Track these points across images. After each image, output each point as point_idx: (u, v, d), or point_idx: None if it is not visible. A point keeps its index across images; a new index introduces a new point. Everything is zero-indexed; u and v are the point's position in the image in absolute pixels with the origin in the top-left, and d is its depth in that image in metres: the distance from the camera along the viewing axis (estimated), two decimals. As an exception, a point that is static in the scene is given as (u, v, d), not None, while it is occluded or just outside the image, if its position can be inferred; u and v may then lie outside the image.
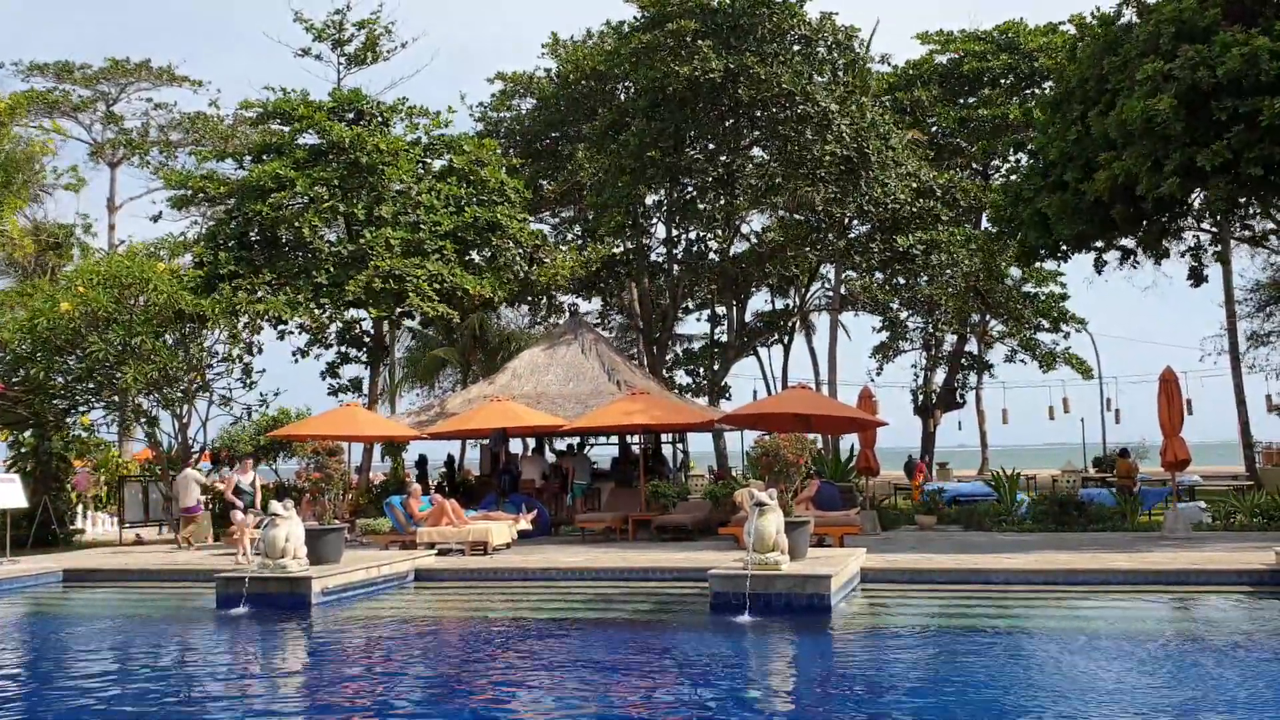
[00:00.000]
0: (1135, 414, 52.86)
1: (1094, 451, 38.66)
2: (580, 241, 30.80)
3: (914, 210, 30.87)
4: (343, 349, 26.07)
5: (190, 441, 23.07)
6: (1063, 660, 9.48)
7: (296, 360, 25.13)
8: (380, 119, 25.92)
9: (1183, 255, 24.02)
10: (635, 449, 25.73)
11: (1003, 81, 38.75)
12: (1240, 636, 10.78)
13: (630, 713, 8.11)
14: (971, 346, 45.35)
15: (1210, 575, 13.38)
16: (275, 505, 14.11)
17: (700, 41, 28.75)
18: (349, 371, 26.27)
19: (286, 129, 25.55)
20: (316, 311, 23.62)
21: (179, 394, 22.64)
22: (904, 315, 43.26)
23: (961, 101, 39.09)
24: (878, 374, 46.25)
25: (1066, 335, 44.53)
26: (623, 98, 31.93)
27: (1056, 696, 8.23)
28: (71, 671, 10.55)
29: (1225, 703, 7.91)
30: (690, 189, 32.48)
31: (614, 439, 27.10)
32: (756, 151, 32.84)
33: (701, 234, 33.99)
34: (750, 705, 8.43)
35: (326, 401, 25.84)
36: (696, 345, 41.57)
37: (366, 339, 26.22)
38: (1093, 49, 21.53)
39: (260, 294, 22.65)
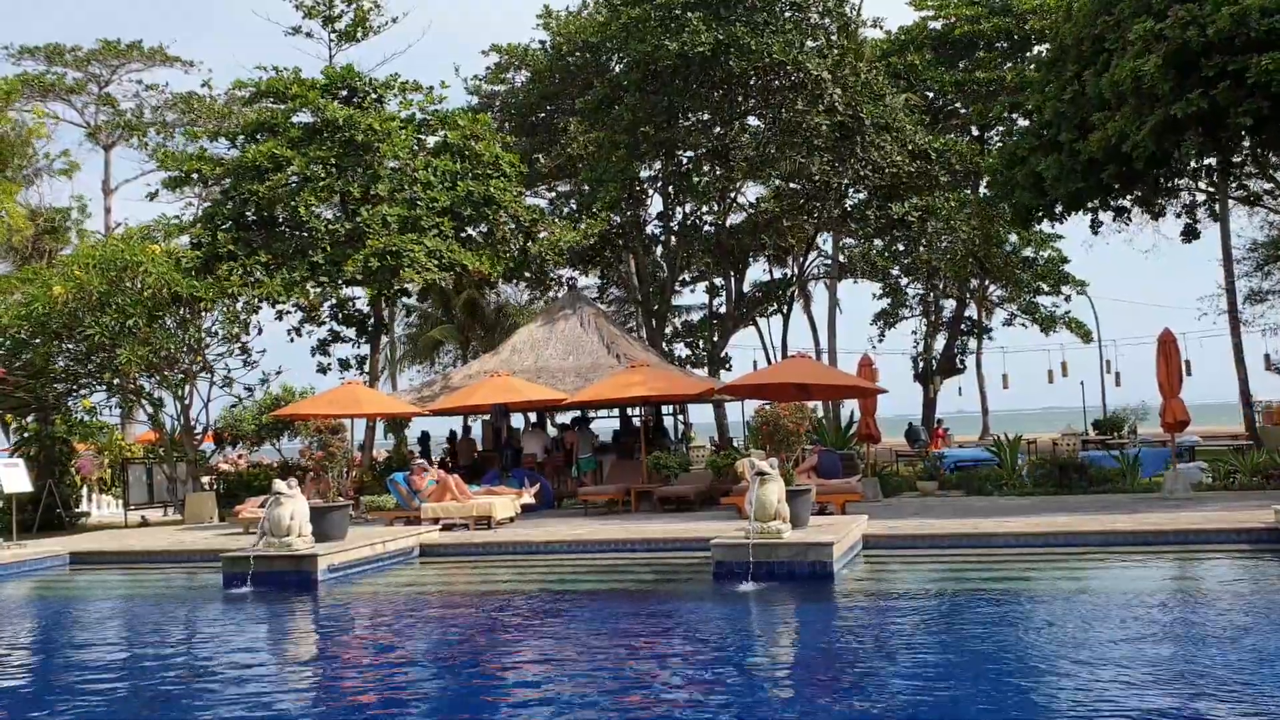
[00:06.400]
0: (1135, 376, 52.80)
1: (1094, 414, 38.70)
2: (576, 215, 30.71)
3: (911, 173, 30.77)
4: (334, 327, 25.93)
5: (193, 423, 23.14)
6: (1065, 621, 9.56)
7: (291, 340, 25.10)
8: (374, 96, 25.80)
9: (1178, 215, 24.07)
10: (636, 421, 25.78)
11: (999, 45, 38.51)
12: (1240, 595, 10.86)
13: (636, 680, 8.19)
14: (971, 312, 45.36)
15: (1210, 535, 13.47)
16: (279, 484, 14.19)
17: (690, 14, 28.57)
18: (340, 350, 26.16)
19: (281, 107, 25.44)
20: (314, 292, 23.58)
21: (179, 376, 22.68)
22: (904, 282, 43.24)
23: (957, 65, 38.85)
24: (879, 341, 46.28)
25: (1067, 298, 44.54)
26: (616, 70, 31.77)
27: (1059, 657, 8.30)
28: (80, 653, 10.63)
29: (1225, 659, 7.99)
30: (685, 162, 32.38)
31: (615, 412, 27.15)
32: (751, 121, 32.71)
33: (697, 206, 33.91)
34: (754, 670, 8.51)
35: (317, 381, 25.73)
36: (695, 317, 41.59)
37: (358, 316, 26.11)
38: (1087, 8, 21.47)
39: (256, 276, 22.61)
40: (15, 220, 29.99)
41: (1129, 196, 22.99)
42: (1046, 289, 44.06)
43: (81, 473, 24.97)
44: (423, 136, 26.69)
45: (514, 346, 25.53)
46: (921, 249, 34.65)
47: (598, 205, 29.22)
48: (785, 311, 40.82)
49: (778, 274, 40.37)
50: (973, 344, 46.78)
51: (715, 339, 37.17)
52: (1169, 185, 23.17)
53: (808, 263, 40.41)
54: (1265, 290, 37.26)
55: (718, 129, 31.82)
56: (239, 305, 22.82)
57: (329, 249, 23.32)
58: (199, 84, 51.51)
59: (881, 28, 35.19)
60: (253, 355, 23.53)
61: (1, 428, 23.27)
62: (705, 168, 32.55)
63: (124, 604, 13.97)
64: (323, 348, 25.82)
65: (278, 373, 24.33)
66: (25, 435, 23.07)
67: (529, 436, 25.53)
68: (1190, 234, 23.21)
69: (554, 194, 36.24)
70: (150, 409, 23.37)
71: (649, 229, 35.08)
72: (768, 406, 15.19)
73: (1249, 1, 17.39)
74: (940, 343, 44.42)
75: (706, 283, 39.83)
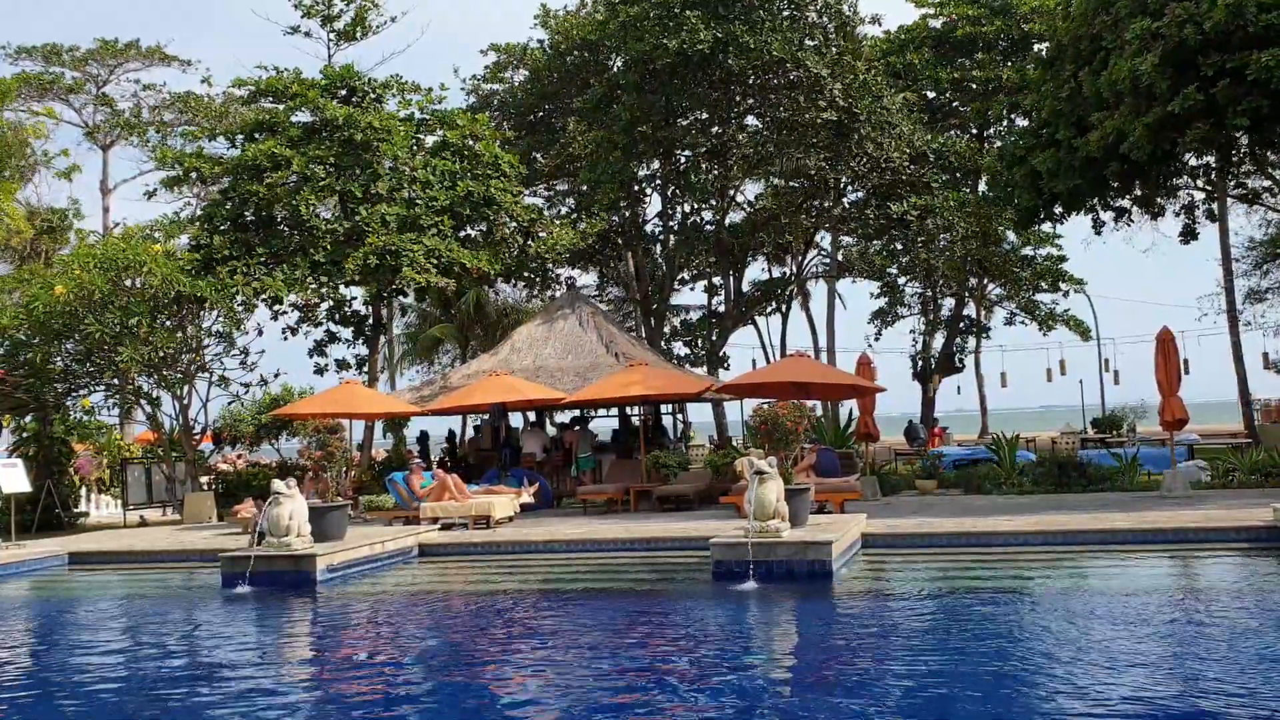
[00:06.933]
0: (1134, 375, 52.78)
1: (1093, 413, 38.69)
2: (575, 215, 30.71)
3: (908, 174, 30.76)
4: (331, 327, 25.87)
5: (191, 423, 23.12)
6: (1064, 620, 9.56)
7: (286, 338, 25.07)
8: (373, 96, 25.79)
9: (1177, 214, 24.07)
10: (635, 420, 25.77)
11: (1001, 43, 38.46)
12: (1238, 593, 10.87)
13: (635, 680, 8.19)
14: (970, 310, 45.33)
15: (1209, 533, 13.48)
16: (278, 484, 14.18)
17: (688, 12, 28.56)
18: (337, 351, 26.09)
19: (280, 107, 25.42)
20: (312, 289, 23.56)
21: (178, 375, 22.67)
22: (902, 281, 43.20)
23: (956, 62, 38.79)
24: (876, 339, 46.28)
25: (1066, 295, 44.54)
26: (615, 68, 31.75)
27: (1058, 656, 8.30)
28: (78, 653, 10.62)
29: (1223, 657, 7.99)
30: (683, 161, 32.37)
31: (614, 411, 27.15)
32: (750, 120, 32.69)
33: (696, 205, 33.90)
34: (753, 669, 8.51)
35: (317, 380, 25.70)
36: (694, 316, 41.56)
37: (354, 318, 26.05)
38: (1084, 7, 21.47)
39: (256, 275, 22.58)
40: (15, 221, 29.98)
41: (1128, 196, 23.00)
42: (1045, 287, 44.03)
43: (80, 473, 24.95)
44: (422, 136, 26.69)
45: (513, 346, 25.52)
46: (919, 248, 34.60)
47: (596, 207, 29.21)
48: (784, 310, 40.81)
49: (776, 273, 40.38)
50: (971, 342, 46.76)
51: (714, 338, 37.14)
52: (1168, 184, 23.17)
53: (806, 261, 40.41)
54: (1264, 289, 37.26)
55: (716, 128, 31.79)
56: (237, 304, 22.79)
57: (329, 248, 23.31)
58: (199, 81, 51.39)
59: (880, 24, 35.17)
60: (250, 355, 23.50)
61: (-1, 428, 23.30)
62: (704, 166, 32.53)
63: (123, 604, 13.95)
64: (319, 349, 25.78)
65: (276, 375, 24.33)
66: (24, 435, 23.06)
67: (528, 436, 25.52)
68: (1189, 234, 23.21)
69: (551, 193, 36.22)
70: (149, 409, 23.35)
71: (648, 227, 35.09)
72: (766, 405, 15.18)
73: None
74: (939, 341, 44.40)
75: (705, 281, 39.80)
